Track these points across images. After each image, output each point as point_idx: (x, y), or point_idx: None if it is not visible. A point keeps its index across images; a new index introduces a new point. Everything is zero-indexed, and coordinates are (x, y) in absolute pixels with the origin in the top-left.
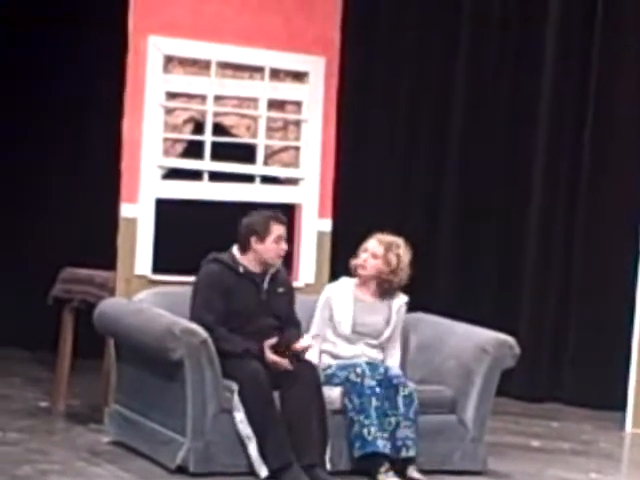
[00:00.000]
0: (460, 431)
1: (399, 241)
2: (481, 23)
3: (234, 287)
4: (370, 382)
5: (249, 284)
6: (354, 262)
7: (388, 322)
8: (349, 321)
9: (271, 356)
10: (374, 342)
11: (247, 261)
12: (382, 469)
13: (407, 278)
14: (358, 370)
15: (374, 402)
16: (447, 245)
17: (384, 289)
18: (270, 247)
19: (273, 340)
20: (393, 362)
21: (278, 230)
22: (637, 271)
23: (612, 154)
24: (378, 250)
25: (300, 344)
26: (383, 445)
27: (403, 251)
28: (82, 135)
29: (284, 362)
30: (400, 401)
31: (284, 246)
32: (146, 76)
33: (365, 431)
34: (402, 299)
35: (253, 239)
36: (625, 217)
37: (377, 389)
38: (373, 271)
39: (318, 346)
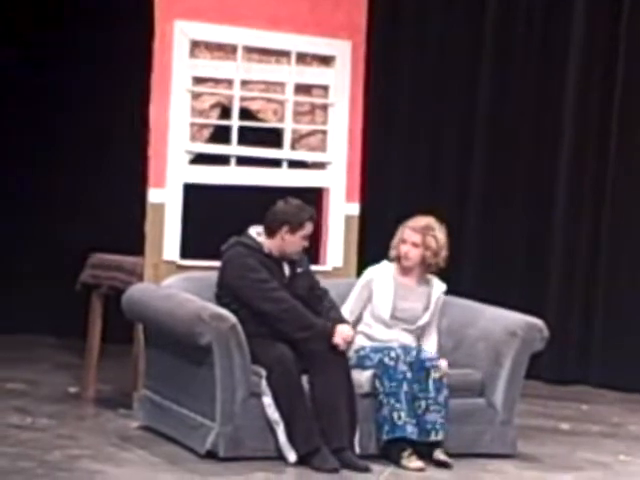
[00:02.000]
0: (489, 414)
1: (431, 222)
2: (508, 6)
3: (265, 266)
4: (402, 367)
5: (275, 265)
6: (394, 253)
7: (426, 309)
8: (389, 306)
9: (340, 340)
10: (410, 327)
11: (268, 245)
12: (405, 454)
13: (447, 252)
14: (392, 354)
15: (405, 387)
16: (475, 228)
17: (430, 271)
18: (297, 241)
19: (348, 332)
20: (430, 347)
21: (309, 229)
22: None
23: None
24: (416, 238)
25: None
26: (411, 431)
27: (438, 230)
28: (110, 121)
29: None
30: (431, 384)
31: (306, 243)
32: (172, 61)
33: (395, 415)
34: (441, 287)
35: (285, 228)
36: None
37: (408, 374)
38: (418, 259)
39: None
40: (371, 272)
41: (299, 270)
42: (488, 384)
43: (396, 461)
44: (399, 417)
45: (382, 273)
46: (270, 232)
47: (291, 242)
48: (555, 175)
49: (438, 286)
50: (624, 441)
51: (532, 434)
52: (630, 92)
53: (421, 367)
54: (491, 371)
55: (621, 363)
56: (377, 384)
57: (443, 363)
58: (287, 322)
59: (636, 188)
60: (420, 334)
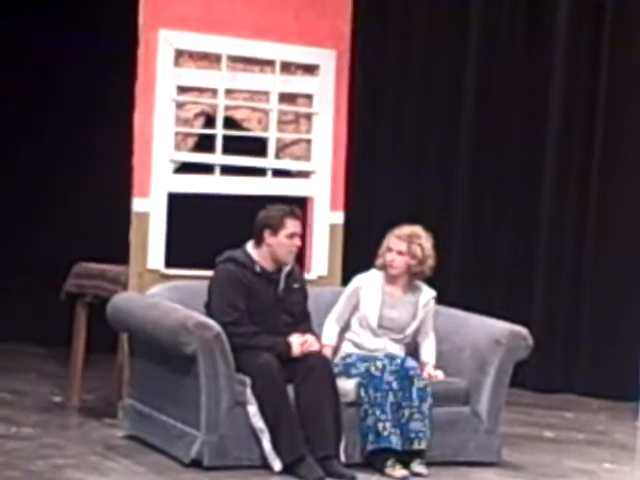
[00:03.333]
0: (474, 422)
1: (417, 230)
2: (491, 13)
3: (252, 286)
4: (388, 377)
5: (266, 283)
6: (380, 262)
7: (414, 317)
8: (376, 314)
9: (299, 348)
10: (398, 337)
11: (261, 258)
12: (389, 462)
13: (434, 261)
14: (379, 364)
15: (391, 397)
16: (459, 237)
17: (416, 279)
18: (282, 241)
19: (301, 339)
20: (428, 352)
21: (292, 226)
22: None
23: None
24: (401, 246)
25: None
26: (395, 442)
27: (424, 239)
28: (93, 129)
29: (309, 344)
30: (414, 393)
31: (297, 242)
32: (157, 70)
33: (380, 425)
34: (429, 293)
35: (267, 232)
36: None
37: (394, 384)
38: (403, 267)
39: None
40: (359, 280)
41: (295, 286)
42: (473, 392)
43: (380, 470)
44: (384, 428)
45: (370, 281)
46: (257, 242)
47: (277, 244)
48: (540, 186)
49: (426, 292)
50: (609, 449)
51: (517, 442)
52: (614, 108)
53: (405, 376)
54: (476, 379)
55: (606, 371)
56: (362, 393)
57: (440, 375)
58: (246, 348)
59: (620, 201)
60: (409, 342)
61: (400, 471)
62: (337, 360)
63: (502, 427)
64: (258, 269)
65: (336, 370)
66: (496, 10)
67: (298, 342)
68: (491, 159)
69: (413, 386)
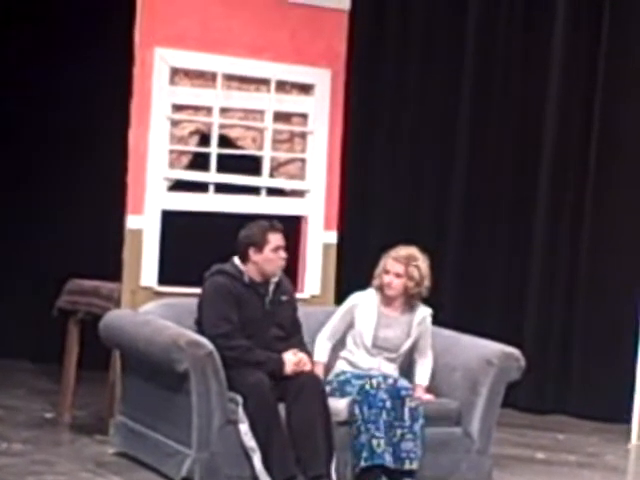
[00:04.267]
0: (466, 443)
1: (414, 252)
2: (487, 31)
3: (242, 298)
4: (383, 395)
5: (254, 294)
6: (377, 283)
7: (408, 336)
8: (370, 334)
9: (292, 367)
10: (392, 356)
11: (249, 271)
12: None
13: (430, 282)
14: (374, 381)
15: (384, 415)
16: (453, 257)
17: (412, 300)
18: (269, 257)
19: (294, 358)
20: (421, 376)
21: (275, 239)
22: None
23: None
24: (399, 269)
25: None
26: (389, 460)
27: (421, 260)
28: (88, 146)
29: (303, 364)
30: (406, 413)
31: (283, 255)
32: (152, 88)
33: (375, 442)
34: (425, 311)
35: (251, 250)
36: (632, 235)
37: (388, 403)
38: (400, 289)
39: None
40: (356, 298)
41: (284, 298)
42: (464, 413)
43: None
44: (378, 445)
45: (366, 300)
46: (243, 259)
47: (264, 260)
48: (534, 206)
49: (421, 311)
50: (600, 471)
51: (508, 463)
52: (610, 124)
53: (397, 396)
54: (468, 400)
55: (598, 393)
56: (357, 411)
57: (427, 397)
58: (240, 363)
59: (615, 221)
60: (403, 362)
61: None
62: (331, 377)
63: (494, 448)
64: (247, 280)
65: (329, 388)
66: (492, 26)
67: (292, 361)
68: (485, 179)
69: (405, 406)
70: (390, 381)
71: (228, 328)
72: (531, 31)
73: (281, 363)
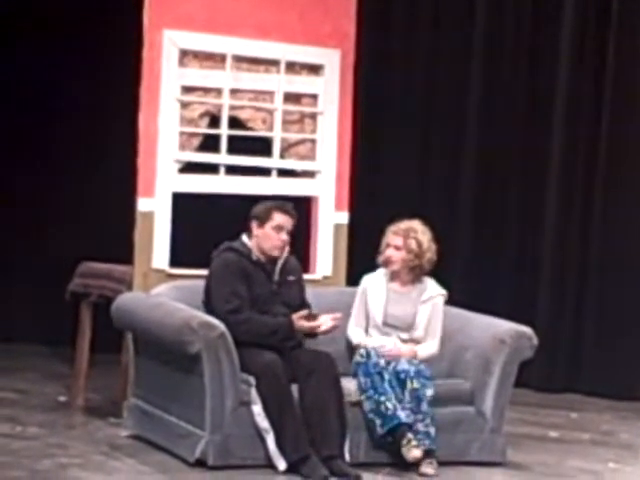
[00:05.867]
0: (479, 422)
1: (413, 224)
2: (496, 15)
3: (250, 274)
4: (375, 359)
5: (262, 272)
6: (381, 258)
7: (416, 313)
8: (380, 311)
9: (305, 324)
10: (405, 336)
11: (254, 248)
12: (404, 441)
13: (434, 255)
14: (362, 351)
15: (386, 376)
16: (464, 236)
17: (416, 274)
18: (268, 233)
19: (303, 312)
20: (422, 349)
21: (279, 219)
22: None
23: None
24: (397, 241)
25: (323, 328)
26: (406, 415)
27: (421, 232)
28: (98, 130)
29: (318, 324)
30: (407, 396)
31: (284, 237)
32: (161, 70)
33: (383, 407)
34: (435, 290)
35: (254, 224)
36: None
37: (383, 362)
38: (400, 262)
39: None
40: (365, 280)
41: (290, 278)
42: (477, 393)
43: (398, 448)
44: (387, 408)
45: (375, 280)
46: (248, 233)
47: (263, 236)
48: (546, 184)
49: (431, 289)
50: (614, 449)
51: (521, 442)
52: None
53: (397, 378)
54: (480, 379)
55: (611, 371)
56: (357, 385)
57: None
58: (252, 337)
59: (626, 203)
60: (420, 341)
61: (415, 451)
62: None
63: (507, 427)
64: (255, 257)
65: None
66: (501, 7)
67: (297, 317)
68: (497, 157)
69: (406, 389)
70: (392, 363)
71: (237, 303)
72: (541, 13)
73: (291, 323)
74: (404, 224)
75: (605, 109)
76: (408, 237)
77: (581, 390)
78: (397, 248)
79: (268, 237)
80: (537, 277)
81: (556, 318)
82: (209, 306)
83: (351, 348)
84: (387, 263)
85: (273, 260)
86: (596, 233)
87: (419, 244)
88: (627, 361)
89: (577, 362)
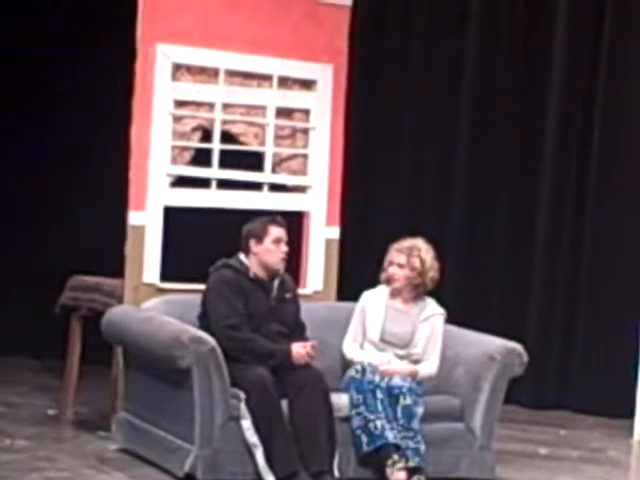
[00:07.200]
0: (468, 439)
1: (417, 242)
2: (489, 29)
3: (248, 292)
4: (370, 377)
5: (259, 289)
6: (384, 276)
7: (414, 332)
8: (378, 328)
9: (301, 350)
10: (402, 353)
11: (252, 266)
12: (389, 462)
13: (437, 273)
14: (358, 367)
15: (379, 395)
16: (455, 252)
17: (419, 292)
18: (269, 248)
19: (306, 344)
20: (423, 369)
21: (276, 232)
22: None
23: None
24: (401, 259)
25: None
26: (393, 436)
27: (424, 251)
28: (90, 143)
29: (310, 353)
30: (399, 412)
31: (284, 248)
32: (154, 84)
33: (371, 425)
34: (435, 309)
35: (252, 242)
36: (635, 229)
37: (377, 380)
38: (403, 280)
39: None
40: (365, 296)
41: (287, 295)
42: (467, 409)
43: (382, 467)
44: (375, 427)
45: (375, 297)
46: (245, 252)
47: (264, 251)
48: (537, 200)
49: (431, 308)
50: (603, 466)
51: (511, 459)
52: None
53: (390, 394)
54: (470, 396)
55: (600, 388)
56: (348, 400)
57: (403, 367)
58: (249, 356)
59: (618, 217)
60: (417, 360)
61: (399, 474)
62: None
63: (496, 444)
64: (252, 275)
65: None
66: (493, 23)
67: (300, 351)
68: (487, 172)
69: (398, 405)
70: (385, 379)
71: (236, 320)
72: (533, 14)
73: (289, 354)
74: (407, 242)
75: (596, 134)
76: (411, 255)
77: (571, 407)
78: (400, 266)
79: (270, 251)
80: (527, 294)
81: (546, 335)
82: (205, 320)
83: (344, 362)
84: (390, 281)
85: (271, 277)
86: (586, 250)
87: (422, 262)
88: (616, 378)
89: (567, 379)
